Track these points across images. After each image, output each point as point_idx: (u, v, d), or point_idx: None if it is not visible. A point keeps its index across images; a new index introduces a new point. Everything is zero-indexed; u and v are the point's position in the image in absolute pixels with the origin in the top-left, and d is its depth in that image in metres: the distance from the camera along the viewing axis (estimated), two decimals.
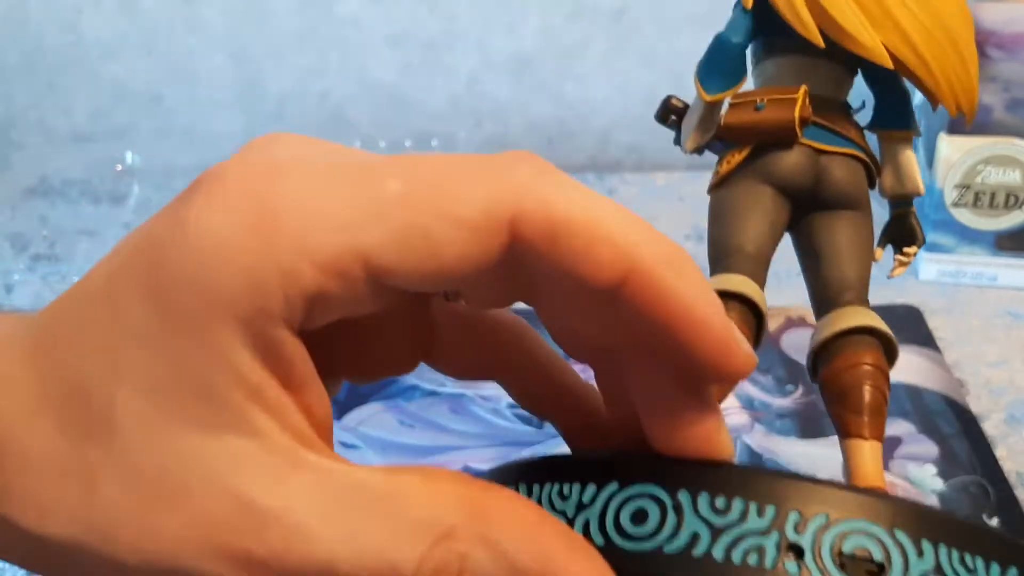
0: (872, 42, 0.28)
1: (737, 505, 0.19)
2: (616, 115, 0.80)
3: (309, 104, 0.76)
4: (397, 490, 0.18)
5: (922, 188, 0.32)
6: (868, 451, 0.27)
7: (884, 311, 0.55)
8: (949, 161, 0.55)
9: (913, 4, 0.29)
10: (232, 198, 0.18)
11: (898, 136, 0.32)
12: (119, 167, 0.74)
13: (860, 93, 0.32)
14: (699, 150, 0.32)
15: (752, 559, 0.18)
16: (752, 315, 0.28)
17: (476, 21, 0.73)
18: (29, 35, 0.74)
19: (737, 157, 0.30)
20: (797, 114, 0.29)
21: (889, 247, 0.33)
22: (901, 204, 0.32)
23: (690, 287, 0.19)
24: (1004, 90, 0.54)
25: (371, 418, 0.46)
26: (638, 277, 0.19)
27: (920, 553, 0.19)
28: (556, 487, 0.21)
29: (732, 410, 0.47)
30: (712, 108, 0.31)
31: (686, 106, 0.32)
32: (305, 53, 0.74)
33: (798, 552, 0.18)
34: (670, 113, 0.32)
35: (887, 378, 0.28)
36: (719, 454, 0.21)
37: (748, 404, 0.48)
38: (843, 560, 0.19)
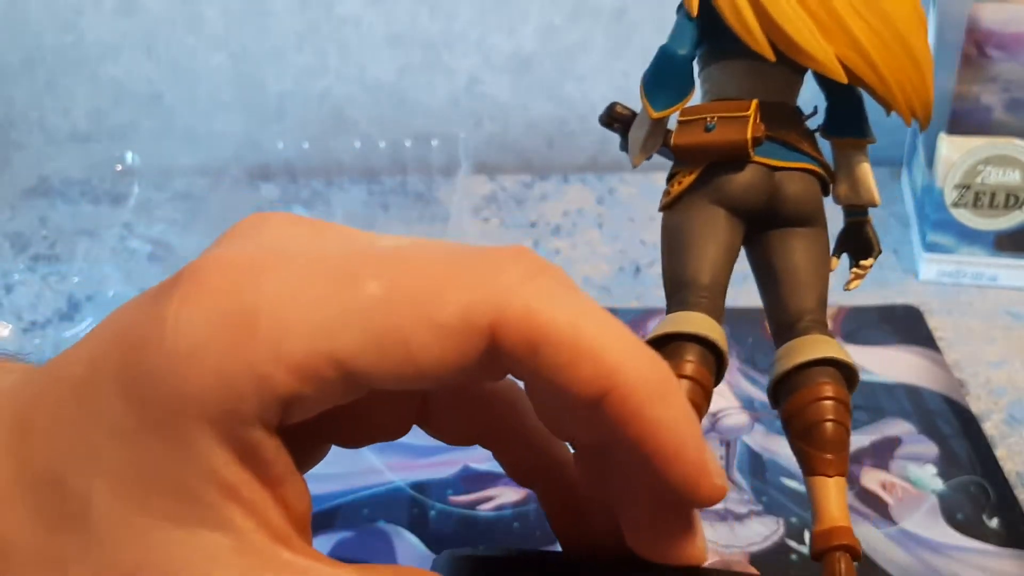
0: (825, 56, 0.28)
1: None
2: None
3: (309, 104, 0.76)
4: None
5: (877, 198, 0.31)
6: (832, 489, 0.27)
7: (884, 311, 0.55)
8: (949, 161, 0.55)
9: (864, 9, 0.28)
10: (210, 298, 0.18)
11: (853, 144, 0.31)
12: (119, 167, 0.74)
13: (812, 93, 0.31)
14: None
15: None
16: (712, 355, 0.27)
17: (476, 21, 0.73)
18: (29, 35, 0.74)
19: (688, 178, 0.29)
20: (749, 135, 0.28)
21: (846, 256, 0.33)
22: (856, 213, 0.32)
23: (668, 413, 0.20)
24: (1004, 90, 0.54)
25: None
26: (618, 397, 0.19)
27: None
28: None
29: (732, 410, 0.47)
30: (659, 123, 0.30)
31: (633, 114, 0.31)
32: (305, 53, 0.74)
33: None
34: (614, 120, 0.32)
35: (848, 409, 0.28)
36: (690, 561, 0.21)
37: (748, 404, 0.48)
38: None
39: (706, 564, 0.22)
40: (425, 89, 0.75)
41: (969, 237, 0.57)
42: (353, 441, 0.25)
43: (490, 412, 0.25)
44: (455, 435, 0.26)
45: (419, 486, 0.41)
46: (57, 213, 0.70)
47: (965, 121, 0.55)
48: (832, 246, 0.32)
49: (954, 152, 0.55)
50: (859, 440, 0.45)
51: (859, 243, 0.32)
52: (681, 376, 0.26)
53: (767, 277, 0.30)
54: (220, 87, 0.75)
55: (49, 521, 0.18)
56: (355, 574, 0.19)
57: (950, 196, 0.56)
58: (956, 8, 0.55)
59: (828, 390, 0.27)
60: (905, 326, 0.53)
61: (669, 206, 0.30)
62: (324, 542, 0.41)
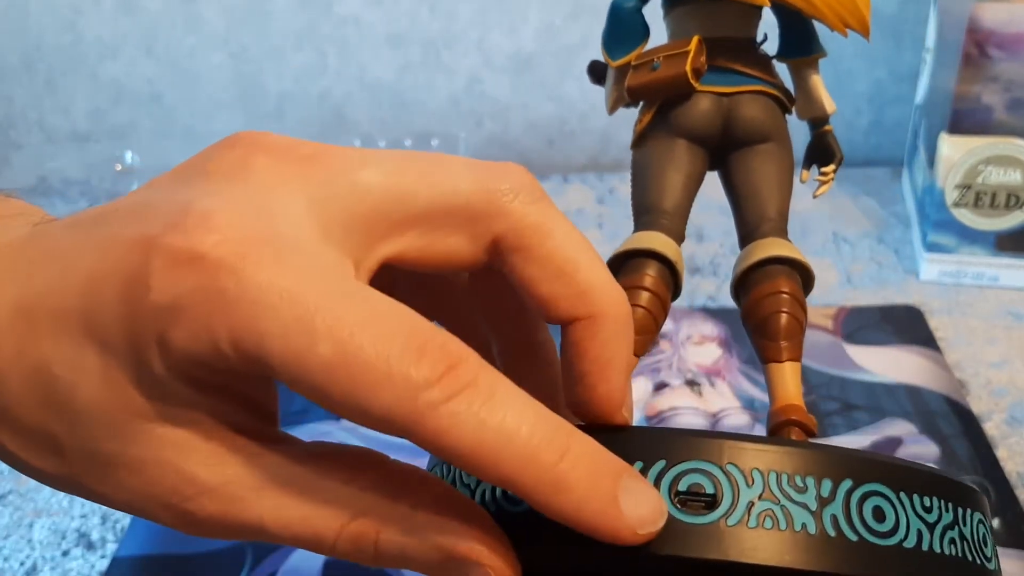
0: None
1: None
2: (617, 117, 0.80)
3: (309, 104, 0.76)
4: (321, 473, 0.22)
5: (831, 107, 0.33)
6: (787, 371, 0.29)
7: (885, 311, 0.55)
8: (950, 161, 0.55)
9: None
10: (196, 270, 0.20)
11: (804, 62, 0.33)
12: (119, 167, 0.74)
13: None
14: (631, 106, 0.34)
15: None
16: (668, 271, 0.30)
17: (476, 21, 0.73)
18: (28, 35, 0.74)
19: (647, 116, 0.31)
20: (688, 67, 0.30)
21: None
22: (818, 125, 0.34)
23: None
24: (1005, 90, 0.54)
25: None
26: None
27: (751, 482, 0.22)
28: None
29: (732, 410, 0.47)
30: (622, 71, 0.32)
31: (606, 66, 0.34)
32: (305, 53, 0.74)
33: None
34: (602, 75, 0.34)
35: (803, 305, 0.30)
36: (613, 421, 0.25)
37: (748, 404, 0.47)
38: (680, 498, 0.22)
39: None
40: (425, 89, 0.75)
41: (970, 237, 0.57)
42: None
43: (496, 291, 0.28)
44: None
45: None
46: (56, 213, 0.69)
47: (966, 121, 0.54)
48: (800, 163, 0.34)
49: (955, 152, 0.55)
50: (860, 440, 0.45)
51: (822, 152, 0.34)
52: (641, 288, 0.29)
53: (733, 198, 0.32)
54: (220, 87, 0.75)
55: (40, 407, 0.22)
56: (309, 458, 0.22)
57: (951, 196, 0.56)
58: (957, 8, 0.55)
59: (783, 285, 0.29)
60: (906, 326, 0.53)
61: (636, 144, 0.32)
62: None
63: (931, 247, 0.58)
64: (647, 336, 0.29)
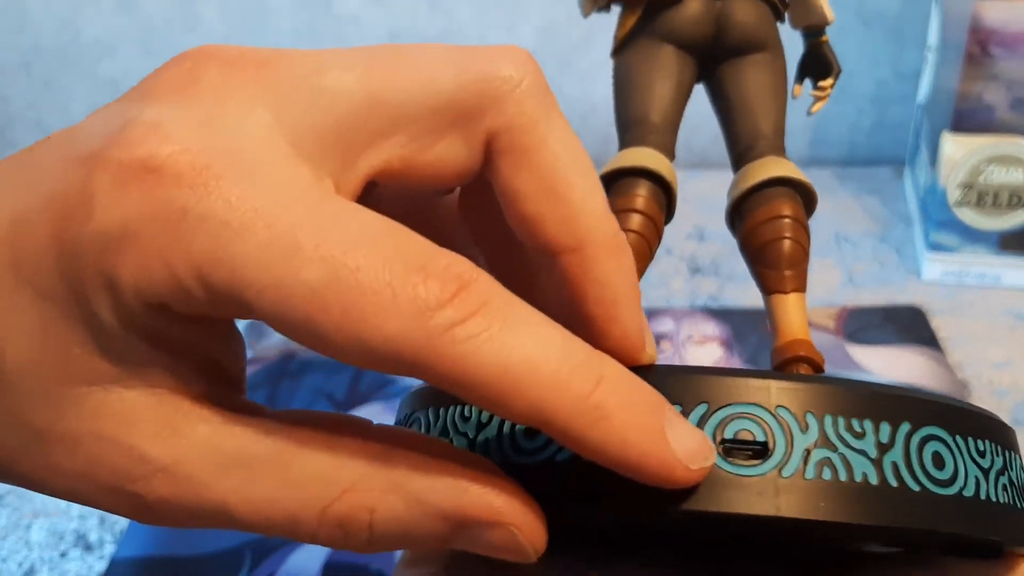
0: None
1: None
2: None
3: None
4: (296, 444, 0.19)
5: (830, 15, 0.30)
6: (791, 304, 0.27)
7: (887, 311, 0.55)
8: (953, 160, 0.55)
9: None
10: (144, 187, 0.17)
11: None
12: None
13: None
14: (604, 8, 0.31)
15: None
16: (660, 190, 0.27)
17: (476, 20, 0.73)
18: (26, 34, 0.74)
19: (631, 19, 0.29)
20: None
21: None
22: (813, 35, 0.31)
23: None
24: (1008, 89, 0.53)
25: (371, 419, 0.46)
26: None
27: (804, 427, 0.19)
28: (458, 409, 0.21)
29: None
30: None
31: None
32: None
33: None
34: None
35: (806, 229, 0.27)
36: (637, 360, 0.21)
37: None
38: (726, 446, 0.19)
39: None
40: None
41: (973, 237, 0.57)
42: None
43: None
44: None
45: None
46: None
47: (969, 120, 0.54)
48: (794, 74, 0.31)
49: (958, 151, 0.55)
50: None
51: (818, 65, 0.31)
52: (632, 210, 0.26)
53: (724, 111, 0.29)
54: None
55: None
56: (281, 428, 0.19)
57: (953, 195, 0.56)
58: (959, 7, 0.55)
59: (784, 208, 0.27)
60: (908, 326, 0.53)
61: (618, 51, 0.29)
62: None
63: (934, 247, 0.57)
64: (641, 263, 0.26)
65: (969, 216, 0.56)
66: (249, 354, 0.52)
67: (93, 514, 0.43)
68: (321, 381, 0.49)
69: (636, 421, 0.18)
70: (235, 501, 0.18)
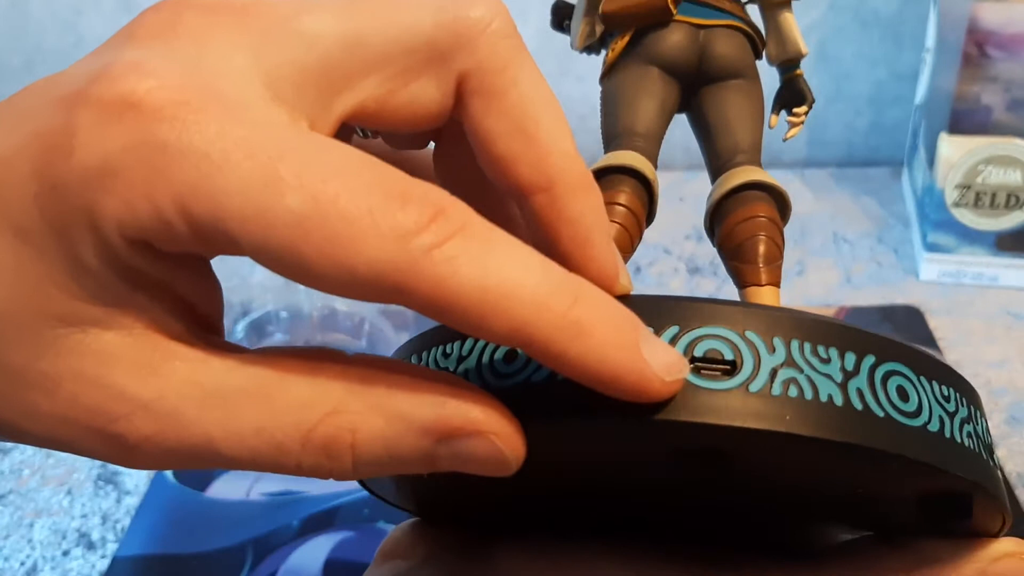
0: None
1: None
2: None
3: None
4: (275, 374, 0.19)
5: (804, 48, 0.32)
6: (766, 295, 0.28)
7: (885, 311, 0.55)
8: (950, 161, 0.55)
9: None
10: (126, 122, 0.17)
11: (775, 2, 0.32)
12: None
13: None
14: (594, 49, 0.33)
15: None
16: (643, 189, 0.29)
17: None
18: (29, 36, 0.74)
19: (620, 43, 0.30)
20: None
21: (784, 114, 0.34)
22: (789, 69, 0.33)
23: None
24: (1005, 90, 0.54)
25: None
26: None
27: (772, 349, 0.20)
28: (440, 348, 0.22)
29: None
30: (593, 2, 0.31)
31: (572, 6, 0.33)
32: None
33: None
34: (563, 18, 0.34)
35: (780, 230, 0.29)
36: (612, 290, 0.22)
37: None
38: (696, 364, 0.20)
39: None
40: None
41: (970, 237, 0.57)
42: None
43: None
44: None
45: None
46: None
47: (966, 121, 0.54)
48: (769, 107, 0.33)
49: (955, 152, 0.55)
50: None
51: (793, 97, 0.33)
52: (615, 204, 0.28)
53: (705, 133, 0.31)
54: None
55: None
56: (260, 359, 0.19)
57: (951, 196, 0.56)
58: (957, 8, 0.55)
59: (760, 210, 0.28)
60: (906, 326, 0.53)
61: (606, 74, 0.31)
62: (324, 542, 0.41)
63: (931, 247, 0.58)
64: (623, 256, 0.27)
65: (966, 217, 0.56)
66: None
67: (95, 513, 0.44)
68: None
69: (613, 336, 0.19)
70: (219, 435, 0.19)
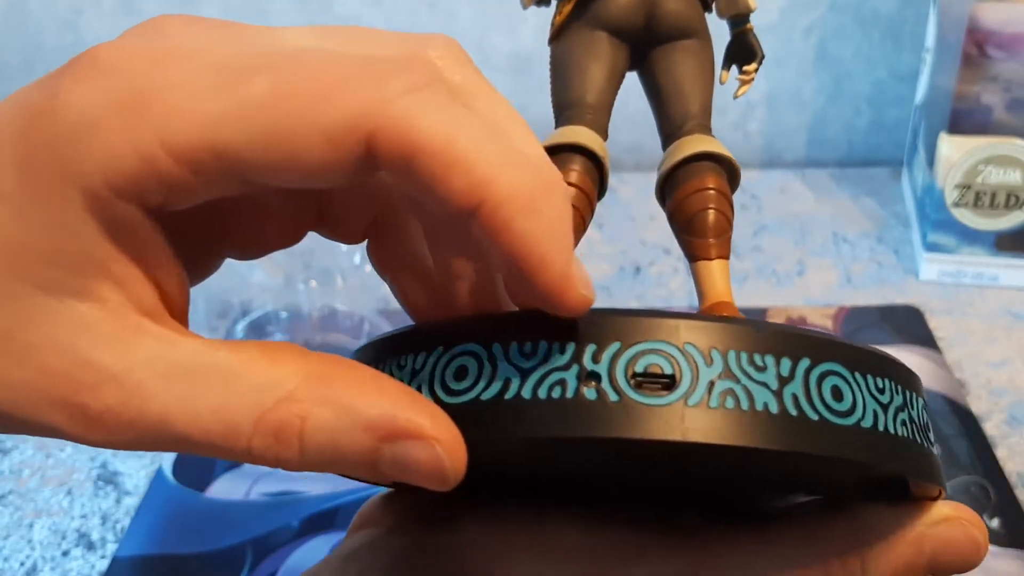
0: None
1: (541, 348, 0.21)
2: (616, 115, 0.80)
3: None
4: (238, 359, 0.20)
5: (754, 3, 0.32)
6: (715, 269, 0.28)
7: (884, 311, 0.55)
8: (950, 161, 0.55)
9: None
10: (105, 78, 0.19)
11: None
12: None
13: None
14: (545, 2, 0.32)
15: (556, 392, 0.20)
16: (594, 167, 0.29)
17: (476, 21, 0.73)
18: (28, 35, 0.74)
19: (566, 8, 0.30)
20: None
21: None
22: (739, 23, 0.33)
23: (536, 224, 0.20)
24: (1005, 90, 0.54)
25: None
26: (488, 210, 0.19)
27: (709, 361, 0.21)
28: (395, 360, 0.23)
29: None
30: None
31: None
32: None
33: (596, 379, 0.20)
34: None
35: (730, 201, 0.29)
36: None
37: None
38: (637, 379, 0.20)
39: None
40: None
41: (970, 237, 0.57)
42: (247, 249, 0.25)
43: (386, 205, 0.26)
44: (350, 233, 0.26)
45: None
46: None
47: (966, 121, 0.55)
48: (720, 62, 0.33)
49: (955, 152, 0.55)
50: None
51: (744, 52, 0.33)
52: (566, 183, 0.28)
53: (655, 96, 0.31)
54: None
55: None
56: (224, 346, 0.20)
57: (951, 196, 0.56)
58: (956, 8, 0.55)
59: (709, 182, 0.28)
60: (905, 326, 0.53)
61: (555, 38, 0.31)
62: (324, 542, 0.41)
63: (931, 247, 0.58)
64: (575, 235, 0.27)
65: (966, 216, 0.56)
66: None
67: (95, 513, 0.44)
68: None
69: (557, 227, 0.19)
70: (176, 411, 0.19)
